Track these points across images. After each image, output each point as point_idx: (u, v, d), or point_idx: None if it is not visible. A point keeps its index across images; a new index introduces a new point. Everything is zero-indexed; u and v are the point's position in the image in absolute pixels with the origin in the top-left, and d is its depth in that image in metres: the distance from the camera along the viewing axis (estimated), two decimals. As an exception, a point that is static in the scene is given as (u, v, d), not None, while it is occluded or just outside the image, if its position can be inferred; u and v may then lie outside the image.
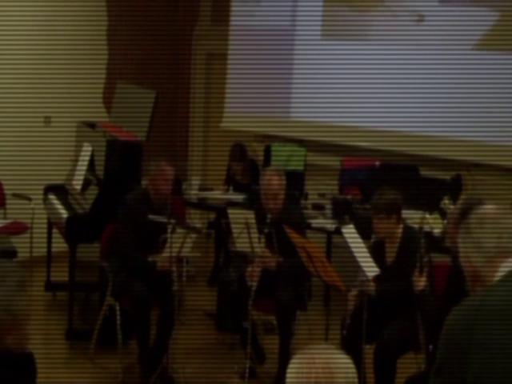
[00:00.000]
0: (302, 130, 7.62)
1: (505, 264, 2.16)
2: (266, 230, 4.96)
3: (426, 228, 5.36)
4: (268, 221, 4.97)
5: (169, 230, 4.96)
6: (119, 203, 5.24)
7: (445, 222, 5.04)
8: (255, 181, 6.90)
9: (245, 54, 8.00)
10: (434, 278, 4.19)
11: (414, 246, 4.31)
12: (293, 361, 1.78)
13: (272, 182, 4.98)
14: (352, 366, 1.79)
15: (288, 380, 1.76)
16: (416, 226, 4.87)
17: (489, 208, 2.33)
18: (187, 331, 5.68)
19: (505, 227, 2.22)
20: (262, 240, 4.95)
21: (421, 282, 4.11)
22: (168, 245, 4.93)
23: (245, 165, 7.15)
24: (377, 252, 4.58)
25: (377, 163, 6.72)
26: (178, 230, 4.87)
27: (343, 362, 1.77)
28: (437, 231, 5.53)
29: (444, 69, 6.76)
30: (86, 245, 5.69)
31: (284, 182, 5.04)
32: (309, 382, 1.73)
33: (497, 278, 2.16)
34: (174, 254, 4.87)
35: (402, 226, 4.57)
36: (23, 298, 2.32)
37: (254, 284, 4.87)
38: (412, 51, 6.91)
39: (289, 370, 1.77)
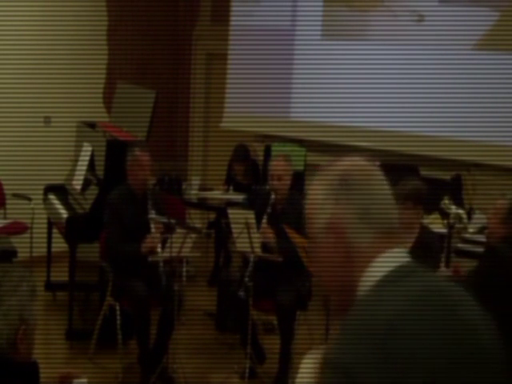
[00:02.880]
0: (302, 129, 7.62)
1: (389, 254, 1.54)
2: (268, 210, 5.10)
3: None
4: (272, 201, 5.13)
5: (152, 225, 5.02)
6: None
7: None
8: (256, 181, 6.91)
9: (245, 54, 8.00)
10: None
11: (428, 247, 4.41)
12: (307, 360, 1.75)
13: (279, 163, 5.23)
14: None
15: (301, 380, 1.73)
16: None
17: (372, 167, 1.74)
18: (187, 331, 5.68)
19: (391, 202, 1.63)
20: (264, 220, 5.09)
21: None
22: (152, 231, 5.01)
23: (247, 166, 7.15)
24: None
25: (377, 163, 6.70)
26: (178, 230, 4.87)
27: None
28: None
29: (444, 69, 6.75)
30: (85, 245, 5.69)
31: (291, 168, 5.25)
32: None
33: (378, 269, 1.51)
34: (173, 254, 4.88)
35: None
36: (35, 306, 2.30)
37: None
38: (412, 51, 6.91)
39: (303, 370, 1.74)
